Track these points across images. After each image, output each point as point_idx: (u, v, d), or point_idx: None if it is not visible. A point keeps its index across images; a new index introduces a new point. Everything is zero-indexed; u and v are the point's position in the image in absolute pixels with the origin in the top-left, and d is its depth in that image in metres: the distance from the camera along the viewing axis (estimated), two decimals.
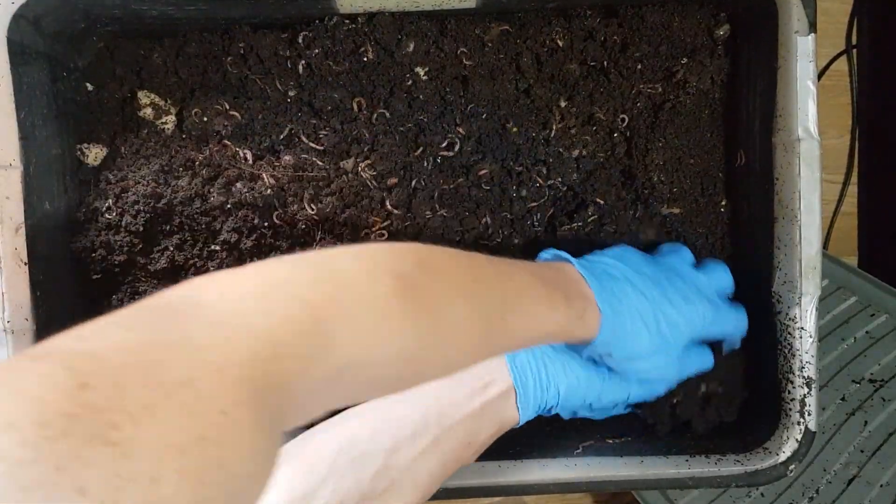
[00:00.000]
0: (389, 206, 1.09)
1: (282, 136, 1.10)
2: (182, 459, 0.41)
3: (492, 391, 0.94)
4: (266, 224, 1.10)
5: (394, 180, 1.10)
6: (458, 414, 0.91)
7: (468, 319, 0.73)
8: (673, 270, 0.99)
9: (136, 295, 1.14)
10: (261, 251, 1.11)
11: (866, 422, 1.51)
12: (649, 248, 1.08)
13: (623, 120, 1.13)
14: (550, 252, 0.97)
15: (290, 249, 1.11)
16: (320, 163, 1.08)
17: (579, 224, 1.12)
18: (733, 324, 1.03)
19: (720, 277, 1.05)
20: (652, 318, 0.91)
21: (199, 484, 0.42)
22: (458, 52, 1.10)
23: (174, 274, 1.13)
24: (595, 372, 0.96)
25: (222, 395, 0.46)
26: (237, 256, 1.11)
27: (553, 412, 0.99)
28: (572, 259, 0.93)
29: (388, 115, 1.11)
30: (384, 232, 1.09)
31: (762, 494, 1.48)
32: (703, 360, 1.01)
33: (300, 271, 0.61)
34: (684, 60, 1.11)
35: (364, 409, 0.92)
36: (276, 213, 1.09)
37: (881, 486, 1.43)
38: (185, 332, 0.49)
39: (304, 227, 1.08)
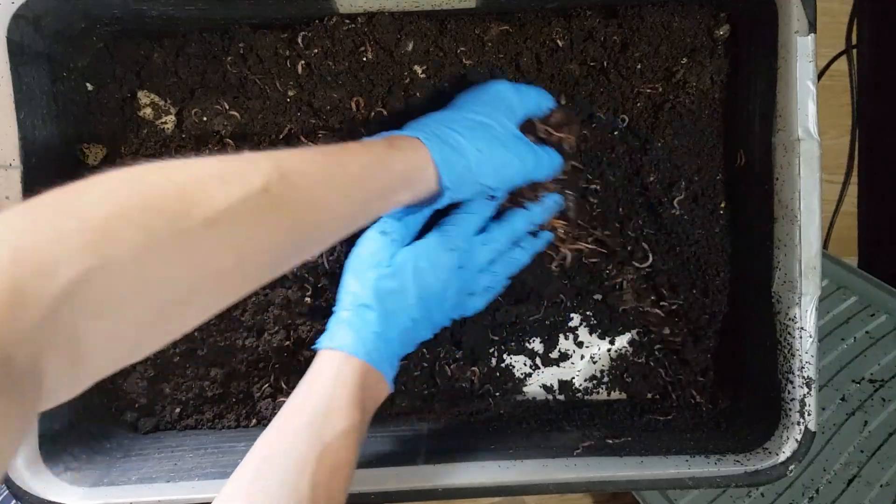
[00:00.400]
0: None
1: (281, 136, 1.11)
2: None
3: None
4: None
5: None
6: None
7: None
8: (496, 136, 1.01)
9: None
10: None
11: (866, 422, 1.51)
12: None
13: (623, 120, 1.13)
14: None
15: None
16: None
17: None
18: (549, 167, 1.06)
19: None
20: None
21: None
22: (458, 51, 1.10)
23: None
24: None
25: None
26: None
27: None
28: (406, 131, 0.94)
29: (385, 113, 1.11)
30: None
31: (762, 494, 1.48)
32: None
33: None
34: (684, 60, 1.11)
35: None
36: None
37: (881, 486, 1.43)
38: None
39: None
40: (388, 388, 0.96)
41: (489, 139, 0.96)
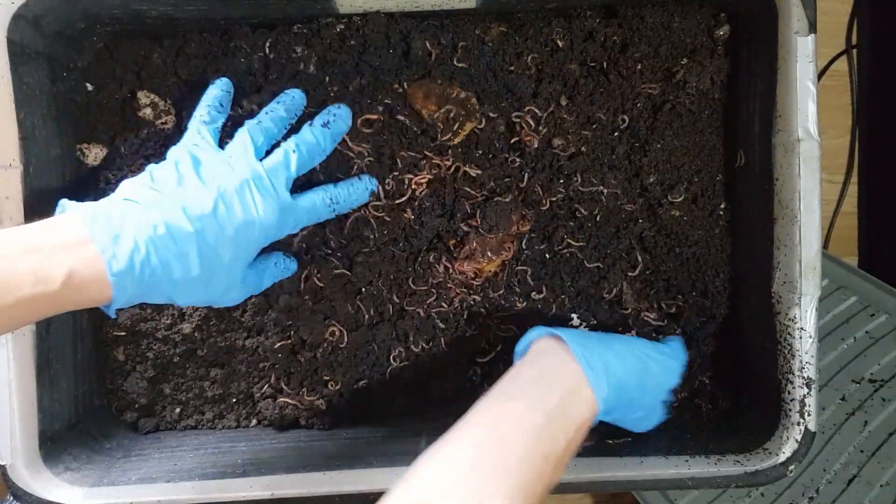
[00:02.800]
0: (382, 198, 1.10)
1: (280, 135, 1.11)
2: None
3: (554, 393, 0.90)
4: None
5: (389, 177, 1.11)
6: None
7: None
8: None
9: None
10: None
11: (866, 422, 1.51)
12: None
13: (623, 120, 1.13)
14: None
15: (277, 245, 1.11)
16: None
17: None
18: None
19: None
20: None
21: None
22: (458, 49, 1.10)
23: None
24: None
25: None
26: None
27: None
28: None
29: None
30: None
31: (762, 494, 1.48)
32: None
33: None
34: (684, 61, 1.11)
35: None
36: None
37: (881, 486, 1.43)
38: None
39: None
40: (594, 410, 0.94)
41: (197, 282, 0.90)
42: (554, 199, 1.13)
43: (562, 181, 1.13)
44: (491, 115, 1.11)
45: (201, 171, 0.90)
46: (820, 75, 1.28)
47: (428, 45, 1.09)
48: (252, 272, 1.00)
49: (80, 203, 0.87)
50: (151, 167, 0.91)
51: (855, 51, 1.66)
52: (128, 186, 0.89)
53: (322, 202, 1.01)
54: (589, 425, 0.91)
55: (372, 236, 1.12)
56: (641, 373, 0.97)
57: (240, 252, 0.92)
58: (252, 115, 1.00)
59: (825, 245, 1.82)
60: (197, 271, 0.88)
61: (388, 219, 1.11)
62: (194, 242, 0.86)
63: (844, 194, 1.75)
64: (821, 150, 0.96)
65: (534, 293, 1.16)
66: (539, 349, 0.96)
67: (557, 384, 0.90)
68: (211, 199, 0.88)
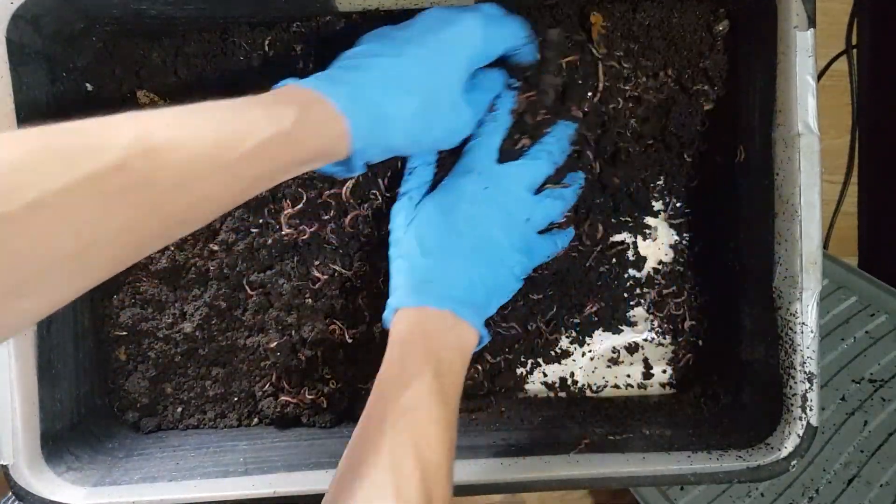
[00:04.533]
0: (380, 191, 1.11)
1: None
2: None
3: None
4: (261, 221, 1.11)
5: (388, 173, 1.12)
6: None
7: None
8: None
9: (136, 295, 1.15)
10: (252, 249, 1.13)
11: (866, 422, 1.51)
12: None
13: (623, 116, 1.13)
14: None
15: (277, 244, 1.12)
16: None
17: None
18: (511, 32, 1.00)
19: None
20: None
21: None
22: None
23: (175, 273, 1.13)
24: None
25: None
26: (235, 256, 1.12)
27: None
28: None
29: None
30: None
31: (762, 494, 1.48)
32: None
33: None
34: (683, 56, 1.11)
35: None
36: (267, 207, 1.12)
37: (881, 486, 1.43)
38: None
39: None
40: (475, 332, 0.93)
41: (424, 111, 0.90)
42: None
43: None
44: None
45: None
46: (820, 75, 1.29)
47: None
48: (473, 104, 0.99)
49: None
50: None
51: (855, 51, 1.66)
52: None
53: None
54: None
55: (372, 234, 1.12)
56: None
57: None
58: None
59: (825, 245, 1.82)
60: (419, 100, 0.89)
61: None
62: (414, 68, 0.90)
63: (844, 194, 1.75)
64: (821, 145, 0.96)
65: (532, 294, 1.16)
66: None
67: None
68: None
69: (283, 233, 1.11)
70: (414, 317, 0.91)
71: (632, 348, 1.22)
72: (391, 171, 1.10)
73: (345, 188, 1.10)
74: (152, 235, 0.70)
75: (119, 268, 0.69)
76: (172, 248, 1.13)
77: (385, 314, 0.95)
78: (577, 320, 1.19)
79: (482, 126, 1.01)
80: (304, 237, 1.11)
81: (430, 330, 0.90)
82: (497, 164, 1.00)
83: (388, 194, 1.10)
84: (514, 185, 0.99)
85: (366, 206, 1.11)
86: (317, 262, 1.13)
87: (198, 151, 0.69)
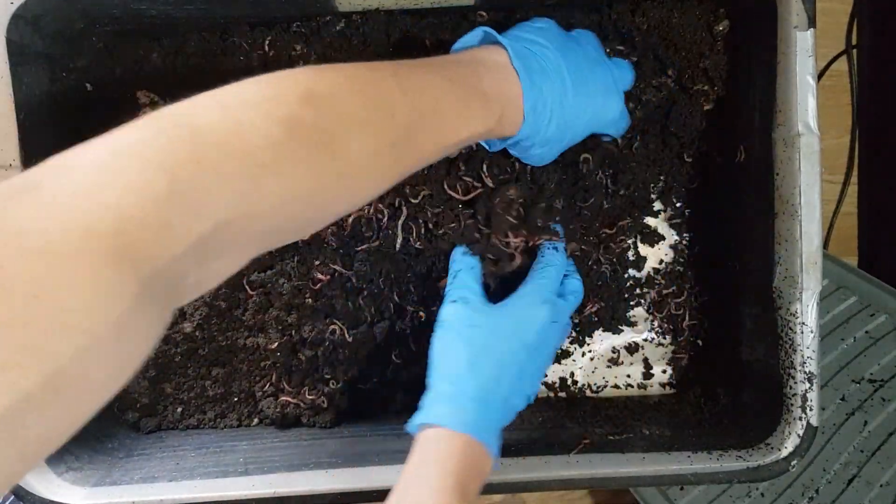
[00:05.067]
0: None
1: None
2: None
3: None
4: None
5: None
6: None
7: (371, 150, 0.72)
8: (594, 59, 0.99)
9: None
10: None
11: (866, 422, 1.51)
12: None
13: None
14: (479, 31, 0.95)
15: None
16: None
17: None
18: (625, 122, 1.05)
19: (626, 76, 1.06)
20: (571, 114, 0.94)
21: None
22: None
23: None
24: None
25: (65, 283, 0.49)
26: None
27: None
28: (503, 41, 0.91)
29: None
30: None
31: (762, 494, 1.48)
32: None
33: (155, 134, 0.58)
34: (683, 56, 1.11)
35: None
36: None
37: (881, 486, 1.43)
38: (14, 223, 0.50)
39: None
40: (491, 462, 0.90)
41: (592, 76, 0.96)
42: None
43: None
44: None
45: None
46: (820, 75, 1.28)
47: (428, 43, 1.09)
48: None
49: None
50: None
51: (855, 51, 1.66)
52: None
53: None
54: None
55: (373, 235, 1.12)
56: None
57: None
58: None
59: (825, 245, 1.82)
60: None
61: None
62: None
63: (844, 194, 1.75)
64: (821, 145, 0.96)
65: None
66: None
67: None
68: None
69: None
70: (455, 443, 0.86)
71: (632, 348, 1.22)
72: None
73: None
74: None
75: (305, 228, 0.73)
76: None
77: (419, 419, 0.90)
78: (576, 320, 1.19)
79: (545, 256, 1.03)
80: (305, 238, 1.12)
81: (468, 463, 0.85)
82: (560, 300, 1.01)
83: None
84: (568, 320, 1.02)
85: (366, 207, 1.11)
86: (317, 263, 1.14)
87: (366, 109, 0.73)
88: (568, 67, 0.92)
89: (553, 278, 1.00)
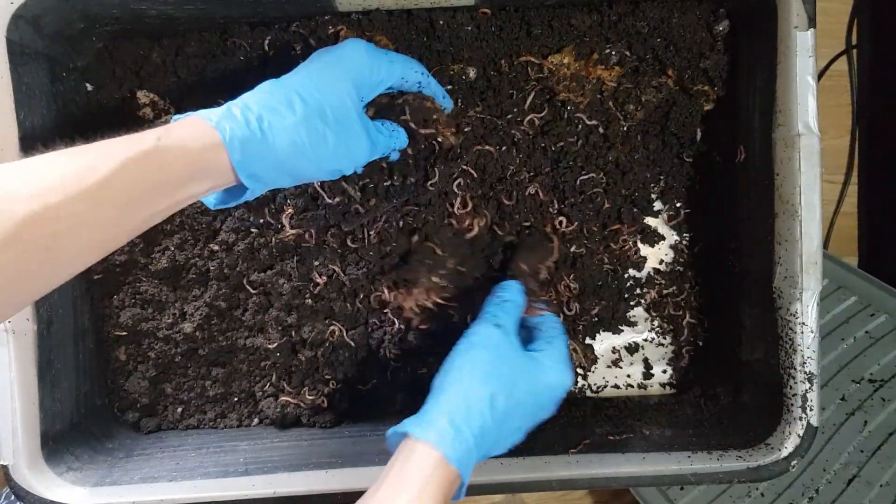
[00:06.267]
0: (377, 197, 1.11)
1: None
2: None
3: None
4: (261, 221, 1.11)
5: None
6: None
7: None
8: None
9: (137, 295, 1.15)
10: (253, 249, 1.14)
11: (866, 422, 1.51)
12: None
13: (623, 115, 1.13)
14: None
15: (278, 244, 1.12)
16: None
17: None
18: (386, 150, 1.01)
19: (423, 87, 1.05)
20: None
21: None
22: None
23: (175, 273, 1.13)
24: None
25: None
26: (235, 256, 1.12)
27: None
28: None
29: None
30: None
31: (762, 494, 1.48)
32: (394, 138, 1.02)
33: None
34: (684, 56, 1.11)
35: None
36: (266, 207, 1.12)
37: (881, 486, 1.43)
38: None
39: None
40: (461, 494, 0.88)
41: (313, 116, 0.87)
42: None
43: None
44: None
45: None
46: (820, 75, 1.28)
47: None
48: (369, 126, 0.95)
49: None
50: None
51: (855, 51, 1.66)
52: None
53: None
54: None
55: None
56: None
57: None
58: None
59: (825, 245, 1.82)
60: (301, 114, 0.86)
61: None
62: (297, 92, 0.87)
63: (844, 194, 1.75)
64: (821, 145, 0.96)
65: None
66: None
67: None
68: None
69: (286, 234, 1.11)
70: (444, 475, 0.83)
71: (632, 348, 1.22)
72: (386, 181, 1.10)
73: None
74: (12, 277, 0.70)
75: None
76: (173, 248, 1.13)
77: (416, 431, 0.85)
78: (577, 320, 1.19)
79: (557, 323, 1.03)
80: (306, 239, 1.12)
81: (445, 496, 0.83)
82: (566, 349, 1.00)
83: (385, 199, 1.11)
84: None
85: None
86: (316, 264, 1.14)
87: (49, 183, 0.70)
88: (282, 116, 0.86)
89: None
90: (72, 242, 0.71)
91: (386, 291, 1.14)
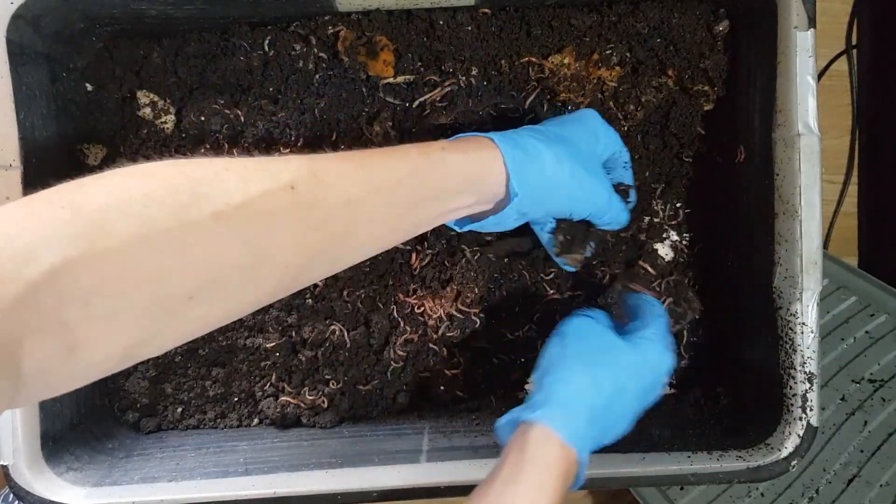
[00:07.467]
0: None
1: (279, 132, 1.11)
2: None
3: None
4: None
5: None
6: None
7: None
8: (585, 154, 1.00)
9: None
10: None
11: (866, 422, 1.51)
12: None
13: (624, 116, 1.13)
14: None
15: None
16: None
17: None
18: (617, 214, 1.03)
19: (623, 175, 1.09)
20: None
21: None
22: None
23: None
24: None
25: None
26: None
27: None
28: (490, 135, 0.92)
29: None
30: None
31: (762, 494, 1.48)
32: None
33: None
34: (683, 56, 1.11)
35: None
36: None
37: (881, 485, 1.43)
38: None
39: None
40: (580, 479, 0.88)
41: (571, 155, 0.94)
42: None
43: None
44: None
45: None
46: (820, 75, 1.28)
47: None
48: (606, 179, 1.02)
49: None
50: None
51: (855, 51, 1.65)
52: None
53: None
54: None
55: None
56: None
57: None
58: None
59: (825, 245, 1.82)
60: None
61: None
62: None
63: (844, 194, 1.74)
64: (821, 145, 0.96)
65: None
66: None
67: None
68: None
69: None
70: (564, 454, 0.83)
71: None
72: None
73: None
74: (316, 256, 0.74)
75: (288, 287, 0.75)
76: None
77: (528, 416, 0.86)
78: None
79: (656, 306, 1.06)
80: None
81: (567, 479, 0.84)
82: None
83: None
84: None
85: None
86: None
87: (355, 176, 0.77)
88: (549, 147, 0.93)
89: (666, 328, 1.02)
90: (364, 230, 0.79)
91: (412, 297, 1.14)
